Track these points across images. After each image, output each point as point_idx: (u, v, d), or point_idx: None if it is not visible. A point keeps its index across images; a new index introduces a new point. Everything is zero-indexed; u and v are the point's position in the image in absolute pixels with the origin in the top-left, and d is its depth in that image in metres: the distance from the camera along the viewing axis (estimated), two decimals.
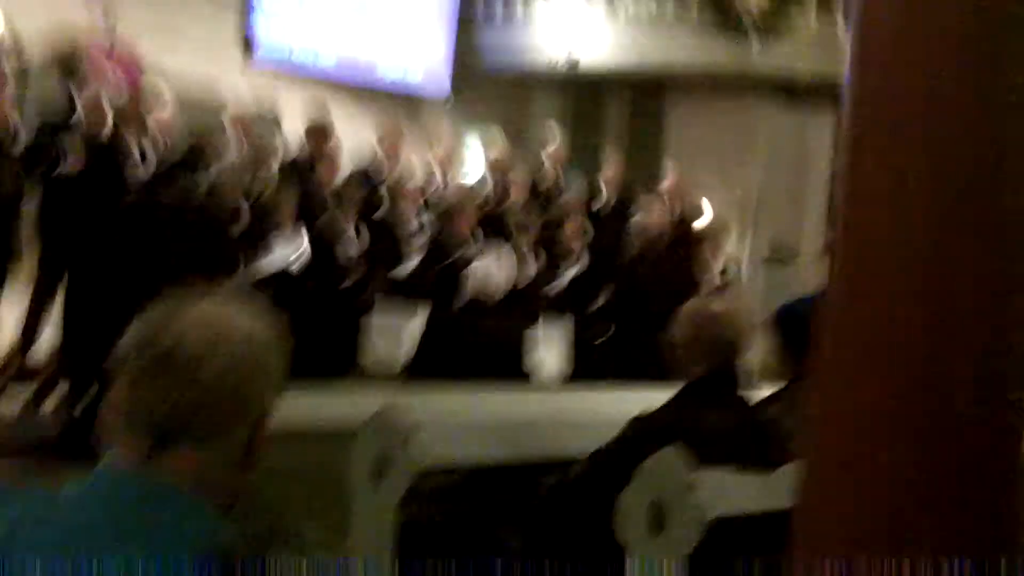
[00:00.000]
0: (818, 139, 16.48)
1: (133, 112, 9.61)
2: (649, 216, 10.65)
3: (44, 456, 8.82)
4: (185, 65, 13.85)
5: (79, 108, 10.25)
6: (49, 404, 9.84)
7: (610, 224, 12.04)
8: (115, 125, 9.68)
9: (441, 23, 17.29)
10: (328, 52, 16.39)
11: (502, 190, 12.45)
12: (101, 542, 1.92)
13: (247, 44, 15.72)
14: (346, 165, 11.51)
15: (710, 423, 4.55)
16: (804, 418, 3.17)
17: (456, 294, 8.39)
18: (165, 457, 1.99)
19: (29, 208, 9.82)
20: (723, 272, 11.51)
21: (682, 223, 12.40)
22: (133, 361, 2.00)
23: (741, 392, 4.75)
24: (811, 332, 3.07)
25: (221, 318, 2.04)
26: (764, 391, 5.01)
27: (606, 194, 12.87)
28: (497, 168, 12.75)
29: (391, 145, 12.16)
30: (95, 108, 10.07)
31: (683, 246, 11.60)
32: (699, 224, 12.20)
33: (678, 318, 4.78)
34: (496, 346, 7.78)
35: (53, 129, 10.10)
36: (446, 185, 12.23)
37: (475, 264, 8.15)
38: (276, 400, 2.08)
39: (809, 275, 15.88)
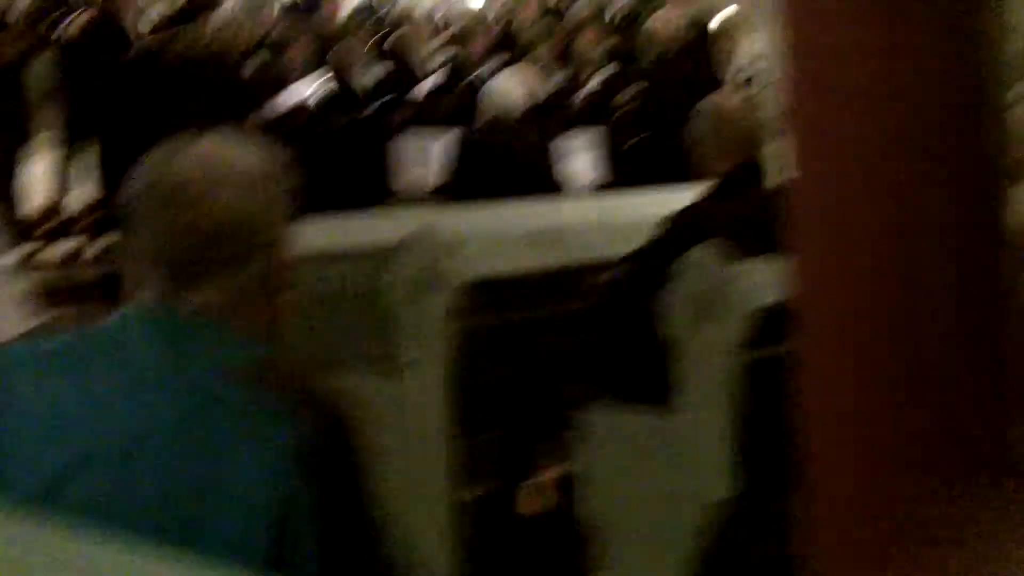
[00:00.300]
0: None
1: None
2: (660, 18, 10.54)
3: (87, 302, 8.99)
4: None
5: None
6: (89, 253, 10.01)
7: (627, 31, 11.95)
8: None
9: None
10: None
11: (513, 7, 12.36)
12: (138, 377, 1.95)
13: None
14: None
15: (741, 216, 4.58)
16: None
17: (477, 113, 8.39)
18: (186, 294, 2.01)
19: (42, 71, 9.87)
20: (747, 67, 11.43)
21: (698, 22, 12.29)
22: (139, 203, 2.03)
23: (767, 183, 4.78)
24: None
25: (222, 153, 2.06)
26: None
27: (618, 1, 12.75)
28: None
29: None
30: None
31: (700, 45, 11.50)
32: (717, 20, 12.04)
33: (695, 115, 4.81)
34: (524, 160, 7.78)
35: None
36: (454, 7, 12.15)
37: (492, 81, 8.12)
38: (287, 228, 2.09)
39: None
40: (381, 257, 5.21)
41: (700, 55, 10.84)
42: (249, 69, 9.66)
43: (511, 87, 7.98)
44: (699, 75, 10.32)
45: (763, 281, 4.39)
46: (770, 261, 4.47)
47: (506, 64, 10.48)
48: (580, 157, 9.07)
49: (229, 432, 1.91)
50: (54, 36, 9.60)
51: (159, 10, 10.11)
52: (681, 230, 4.56)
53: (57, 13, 9.72)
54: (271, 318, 2.09)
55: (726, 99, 4.94)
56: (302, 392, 1.99)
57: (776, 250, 4.48)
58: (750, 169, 4.69)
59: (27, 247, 9.89)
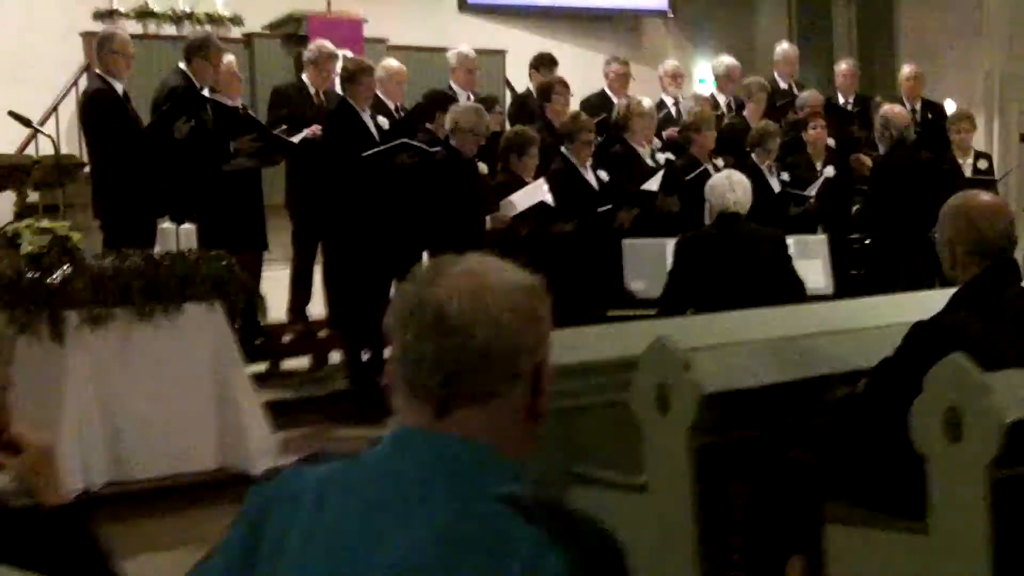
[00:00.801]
0: None
1: (362, 77, 9.75)
2: (891, 111, 10.38)
3: (331, 413, 9.20)
4: (403, 13, 14.04)
5: (305, 78, 10.49)
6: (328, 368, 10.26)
7: (852, 128, 11.81)
8: (345, 91, 9.84)
9: None
10: None
11: (736, 105, 12.32)
12: (407, 502, 1.96)
13: None
14: (575, 96, 11.49)
15: (994, 322, 4.44)
16: None
17: (703, 211, 8.33)
18: (452, 420, 2.01)
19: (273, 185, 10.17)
20: (978, 160, 11.21)
21: (926, 115, 12.13)
22: (403, 328, 2.02)
23: (1020, 286, 4.63)
24: None
25: (485, 274, 2.04)
26: None
27: (843, 98, 12.63)
28: (729, 82, 12.58)
29: (620, 69, 12.13)
30: (320, 75, 10.35)
31: (931, 140, 11.33)
32: (945, 114, 11.88)
33: (945, 215, 4.66)
34: (758, 263, 7.70)
35: (286, 99, 10.35)
36: (677, 106, 12.15)
37: (718, 179, 8.05)
38: (549, 347, 2.08)
39: None
40: (619, 371, 5.20)
41: (931, 149, 10.66)
42: (481, 171, 9.78)
43: (736, 183, 7.89)
44: (931, 170, 10.13)
45: (1020, 391, 4.25)
46: None
47: (731, 163, 10.44)
48: (812, 262, 8.92)
49: (500, 562, 1.90)
50: (295, 140, 9.80)
51: (396, 111, 10.30)
52: (930, 338, 4.43)
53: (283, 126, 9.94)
54: (530, 440, 2.08)
55: (978, 195, 4.76)
56: (568, 518, 1.97)
57: None
58: (1002, 270, 4.54)
59: (270, 358, 10.18)
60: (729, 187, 7.84)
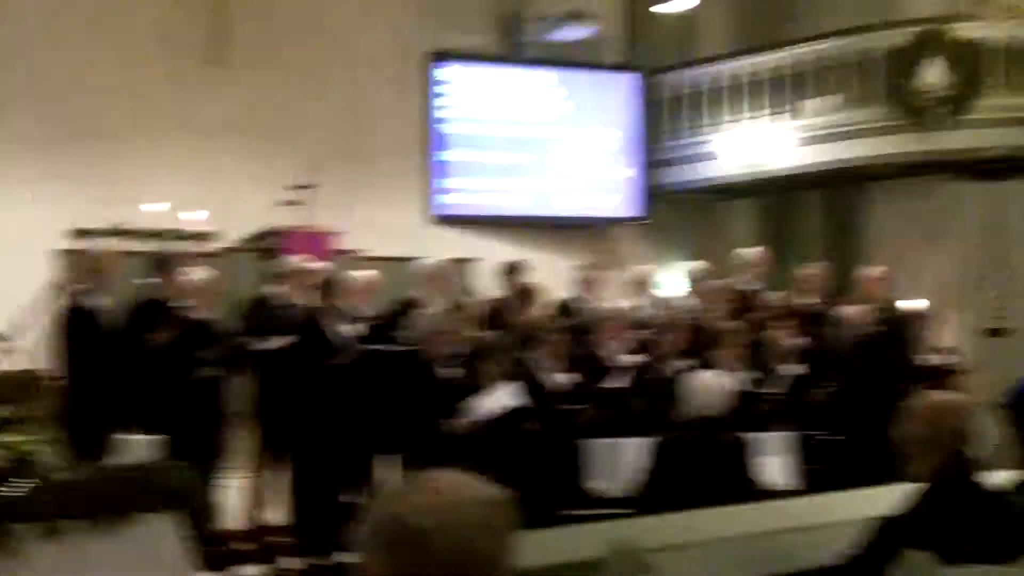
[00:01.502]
0: (1020, 210, 16.20)
1: (336, 287, 9.76)
2: (854, 310, 10.45)
3: None
4: (375, 224, 14.23)
5: (275, 290, 10.54)
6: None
7: (818, 327, 11.80)
8: (317, 300, 9.84)
9: (626, 150, 17.37)
10: (513, 193, 16.62)
11: (705, 306, 12.33)
12: None
13: (433, 198, 16.06)
14: (546, 301, 11.50)
15: (958, 519, 4.34)
16: None
17: (674, 411, 8.24)
18: None
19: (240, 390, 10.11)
20: (943, 355, 11.22)
21: (892, 315, 12.17)
22: (370, 545, 2.04)
23: (980, 480, 4.53)
24: None
25: (451, 491, 2.05)
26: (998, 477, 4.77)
27: (810, 298, 12.65)
28: (699, 284, 12.62)
29: (590, 275, 12.17)
30: (296, 289, 10.39)
31: (896, 337, 11.35)
32: (910, 311, 11.92)
33: (909, 413, 4.60)
34: (723, 460, 7.58)
35: (260, 309, 10.38)
36: (650, 307, 12.16)
37: (694, 379, 7.95)
38: (513, 558, 2.07)
39: None
40: (580, 573, 5.07)
41: (896, 346, 10.69)
42: (448, 373, 9.74)
43: (713, 384, 7.80)
44: (896, 366, 10.15)
45: None
46: (988, 566, 4.22)
47: (696, 363, 10.40)
48: (775, 458, 8.84)
49: None
50: (265, 348, 9.79)
51: (365, 315, 10.28)
52: (892, 535, 4.36)
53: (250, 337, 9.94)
54: None
55: (941, 395, 4.80)
56: None
57: (993, 555, 4.24)
58: (963, 468, 4.44)
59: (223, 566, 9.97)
60: (704, 391, 7.73)
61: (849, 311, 10.61)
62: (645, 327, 11.46)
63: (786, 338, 11.19)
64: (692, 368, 10.18)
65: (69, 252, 10.83)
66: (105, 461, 7.96)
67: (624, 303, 11.49)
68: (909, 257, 15.04)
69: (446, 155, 16.27)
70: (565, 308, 11.64)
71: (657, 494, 7.51)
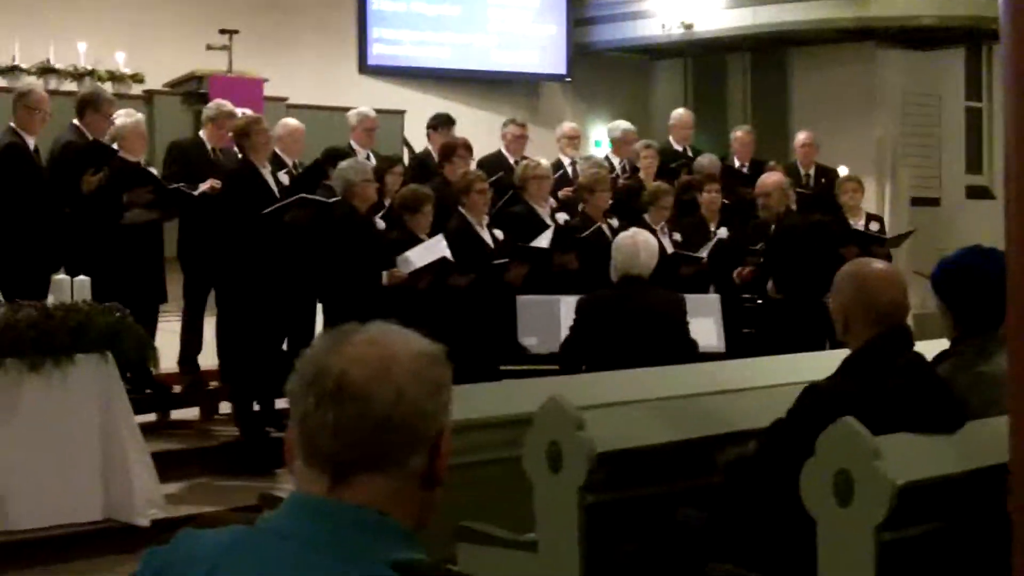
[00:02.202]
0: (949, 82, 16.29)
1: (254, 129, 9.64)
2: (769, 178, 10.52)
3: (220, 465, 9.06)
4: (304, 74, 14.07)
5: (203, 135, 10.43)
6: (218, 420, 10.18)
7: (745, 192, 11.87)
8: (241, 147, 9.74)
9: (553, 6, 17.22)
10: (444, 46, 16.46)
11: (631, 167, 12.35)
12: (301, 571, 1.92)
13: (362, 48, 15.90)
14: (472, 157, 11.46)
15: (887, 387, 4.42)
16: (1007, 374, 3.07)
17: (600, 272, 8.28)
18: (348, 487, 1.98)
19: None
20: (869, 222, 11.33)
21: (819, 180, 12.27)
22: (302, 396, 1.99)
23: (912, 352, 4.60)
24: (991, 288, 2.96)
25: (386, 343, 2.02)
26: (927, 348, 4.84)
27: (738, 162, 12.72)
28: (624, 145, 12.62)
29: (517, 131, 12.11)
30: (218, 133, 10.33)
31: (823, 203, 11.45)
32: (838, 178, 12.02)
33: (839, 281, 4.64)
34: (653, 323, 7.65)
35: (182, 153, 10.30)
36: (574, 167, 12.15)
37: (623, 238, 7.99)
38: (449, 414, 2.05)
39: (952, 219, 15.70)
40: (512, 428, 5.13)
41: (823, 210, 10.77)
42: (379, 225, 9.70)
43: (641, 243, 7.84)
44: (822, 234, 10.24)
45: (909, 456, 4.23)
46: (917, 435, 4.32)
47: (625, 223, 10.43)
48: (704, 320, 8.91)
49: None
50: (194, 194, 9.76)
51: (293, 169, 10.21)
52: (822, 402, 4.39)
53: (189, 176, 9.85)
54: (425, 509, 2.05)
55: (872, 263, 4.78)
56: None
57: (922, 424, 4.34)
58: (894, 338, 4.50)
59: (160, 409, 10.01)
60: (634, 249, 7.77)
61: (775, 176, 10.67)
62: (571, 186, 11.48)
63: (715, 201, 11.24)
64: (619, 228, 10.27)
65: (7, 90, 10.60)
66: (41, 301, 7.87)
67: (550, 162, 11.44)
68: (836, 124, 15.10)
69: (376, 4, 16.04)
70: (491, 164, 11.59)
71: (588, 353, 7.59)
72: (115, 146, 9.68)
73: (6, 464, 7.40)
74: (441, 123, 12.02)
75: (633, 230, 8.33)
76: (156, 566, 2.04)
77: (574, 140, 12.66)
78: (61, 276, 8.28)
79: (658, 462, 4.98)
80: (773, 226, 10.53)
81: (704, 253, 10.60)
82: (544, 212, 10.50)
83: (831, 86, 16.06)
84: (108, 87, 12.17)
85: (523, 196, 10.54)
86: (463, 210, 9.91)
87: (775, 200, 10.50)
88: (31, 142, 9.30)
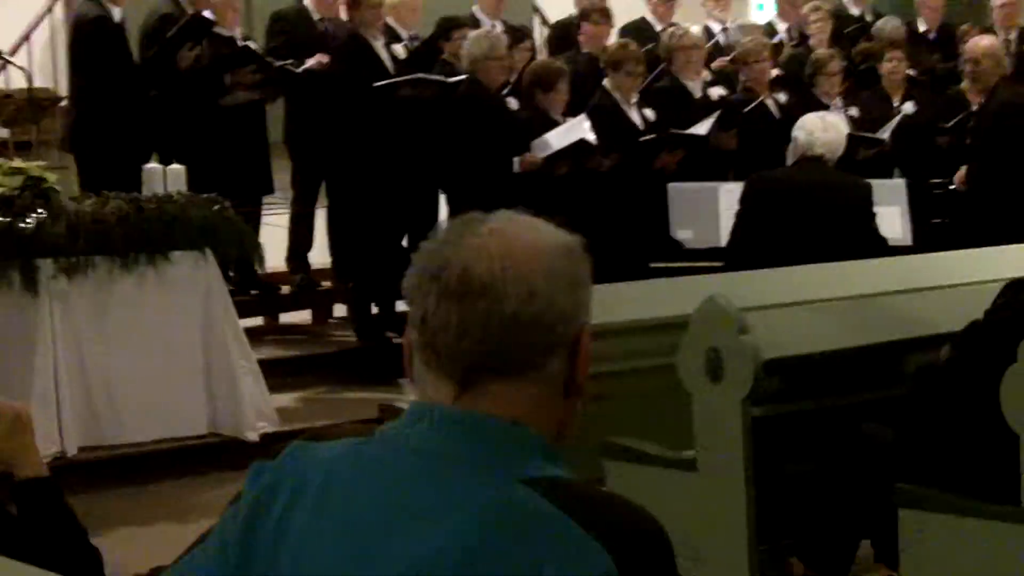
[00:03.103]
0: None
1: (368, 3, 9.65)
2: (981, 41, 10.18)
3: (336, 373, 9.18)
4: None
5: (308, 3, 10.46)
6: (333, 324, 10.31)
7: (933, 61, 11.65)
8: (351, 18, 9.79)
9: None
10: None
11: (799, 34, 12.17)
12: (428, 489, 1.92)
13: None
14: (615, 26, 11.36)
15: None
16: None
17: (764, 155, 8.22)
18: (477, 395, 1.97)
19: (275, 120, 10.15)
20: None
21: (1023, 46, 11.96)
22: (424, 292, 1.98)
23: None
24: None
25: (517, 233, 2.00)
26: None
27: (925, 26, 12.47)
28: (790, 7, 12.42)
29: None
30: (330, 3, 10.33)
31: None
32: None
33: None
34: (834, 210, 7.51)
35: (286, 25, 10.33)
36: (726, 34, 12.00)
37: (805, 117, 7.85)
38: (589, 315, 2.02)
39: None
40: (666, 333, 5.13)
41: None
42: (511, 105, 9.68)
43: (830, 124, 7.70)
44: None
45: None
46: None
47: (791, 98, 10.31)
48: (888, 209, 8.78)
49: (532, 558, 1.85)
50: (299, 71, 9.78)
51: (410, 42, 10.22)
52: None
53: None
54: (565, 420, 2.03)
55: None
56: (608, 508, 1.93)
57: None
58: None
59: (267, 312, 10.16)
60: (822, 128, 7.64)
61: (988, 39, 10.26)
62: (725, 55, 11.36)
63: (899, 72, 11.02)
64: (787, 104, 10.16)
65: None
66: (132, 193, 7.96)
67: (700, 31, 11.31)
68: None
69: None
70: (635, 33, 11.48)
71: (755, 247, 7.51)
72: (211, 18, 9.67)
73: (99, 374, 7.55)
74: None
75: (825, 112, 8.18)
76: (264, 482, 2.05)
77: (724, 2, 12.48)
78: (153, 165, 8.36)
79: (836, 370, 4.98)
80: (980, 100, 10.24)
81: (886, 133, 10.41)
82: (695, 86, 10.39)
83: None
84: None
85: (670, 69, 10.44)
86: (609, 85, 9.84)
87: (988, 69, 10.08)
88: (117, 13, 9.34)
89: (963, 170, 10.05)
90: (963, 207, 10.02)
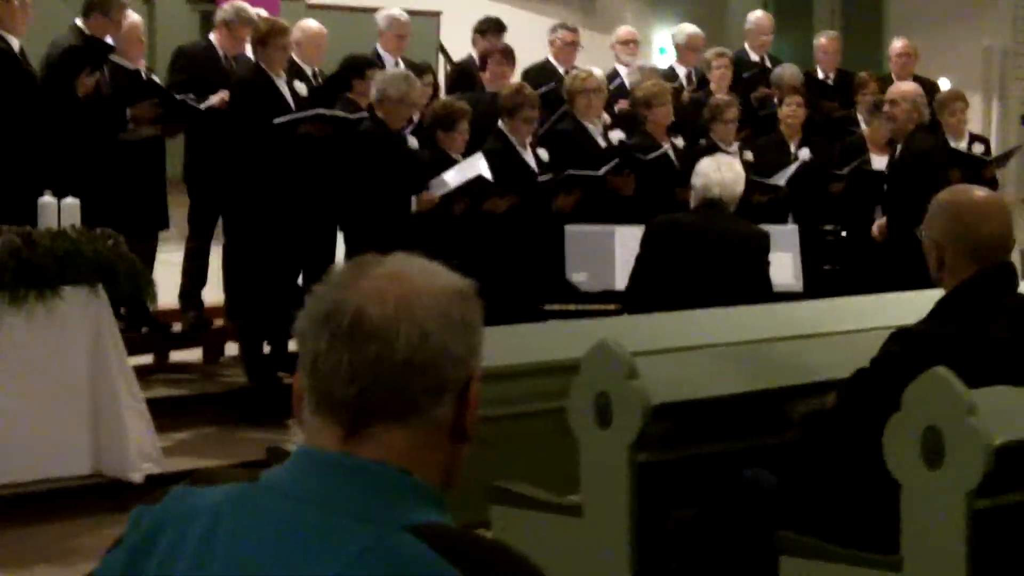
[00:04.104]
0: None
1: (275, 39, 9.63)
2: (903, 85, 10.33)
3: (225, 412, 9.13)
4: None
5: (214, 40, 10.42)
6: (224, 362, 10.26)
7: (830, 107, 11.77)
8: (256, 54, 9.76)
9: None
10: None
11: (698, 78, 12.26)
12: (310, 533, 1.92)
13: None
14: (518, 67, 11.40)
15: (986, 333, 4.40)
16: None
17: (660, 199, 8.26)
18: (364, 440, 1.97)
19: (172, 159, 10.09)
20: (973, 143, 11.16)
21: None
22: (314, 336, 1.98)
23: (1016, 294, 4.57)
24: None
25: (409, 276, 2.00)
26: None
27: (823, 73, 12.60)
28: (690, 53, 12.52)
29: (565, 38, 12.03)
30: (233, 38, 10.29)
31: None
32: (939, 93, 11.81)
33: (933, 211, 4.60)
34: (729, 256, 7.56)
35: (190, 61, 10.27)
36: (632, 78, 12.07)
37: (703, 160, 7.91)
38: (480, 360, 2.03)
39: None
40: (555, 376, 5.14)
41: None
42: (409, 145, 9.68)
43: (727, 169, 7.76)
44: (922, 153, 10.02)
45: (1009, 412, 4.22)
46: (1017, 388, 4.29)
47: (690, 141, 10.38)
48: (780, 255, 8.85)
49: None
50: (201, 107, 9.72)
51: (314, 79, 10.20)
52: (911, 349, 4.39)
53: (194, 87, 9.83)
54: (452, 466, 2.04)
55: (967, 193, 4.69)
56: (490, 557, 1.93)
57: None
58: (997, 276, 4.47)
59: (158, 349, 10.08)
60: (715, 168, 7.70)
61: (911, 84, 10.41)
62: (629, 99, 11.41)
63: (797, 117, 11.13)
64: (685, 149, 10.22)
65: None
66: (24, 227, 7.86)
67: (605, 72, 11.36)
68: (938, 30, 14.92)
69: None
70: (537, 75, 11.53)
71: (649, 290, 7.54)
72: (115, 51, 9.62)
73: None
74: (490, 28, 11.88)
75: (718, 155, 8.26)
76: (146, 527, 2.04)
77: (631, 46, 12.56)
78: (48, 199, 8.25)
79: (722, 416, 5.00)
80: (884, 145, 10.36)
81: (783, 179, 10.50)
82: (596, 130, 10.43)
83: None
84: None
85: (572, 111, 10.48)
86: (504, 128, 9.86)
87: (905, 112, 10.20)
88: (15, 43, 9.22)
89: (882, 220, 10.17)
90: (852, 253, 10.14)
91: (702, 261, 7.45)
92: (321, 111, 9.48)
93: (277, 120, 9.28)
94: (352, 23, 12.14)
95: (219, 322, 10.40)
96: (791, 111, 11.11)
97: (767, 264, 7.71)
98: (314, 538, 1.91)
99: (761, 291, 7.53)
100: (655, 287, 7.50)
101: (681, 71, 12.47)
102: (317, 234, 9.61)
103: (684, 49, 12.61)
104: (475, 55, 11.74)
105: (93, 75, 9.23)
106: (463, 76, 11.56)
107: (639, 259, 7.76)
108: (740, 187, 7.79)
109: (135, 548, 2.03)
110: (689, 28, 12.78)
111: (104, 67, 9.43)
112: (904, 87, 10.43)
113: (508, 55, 11.09)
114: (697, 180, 7.71)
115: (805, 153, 10.98)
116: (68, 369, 7.69)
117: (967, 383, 4.14)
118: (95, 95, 9.28)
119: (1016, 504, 4.23)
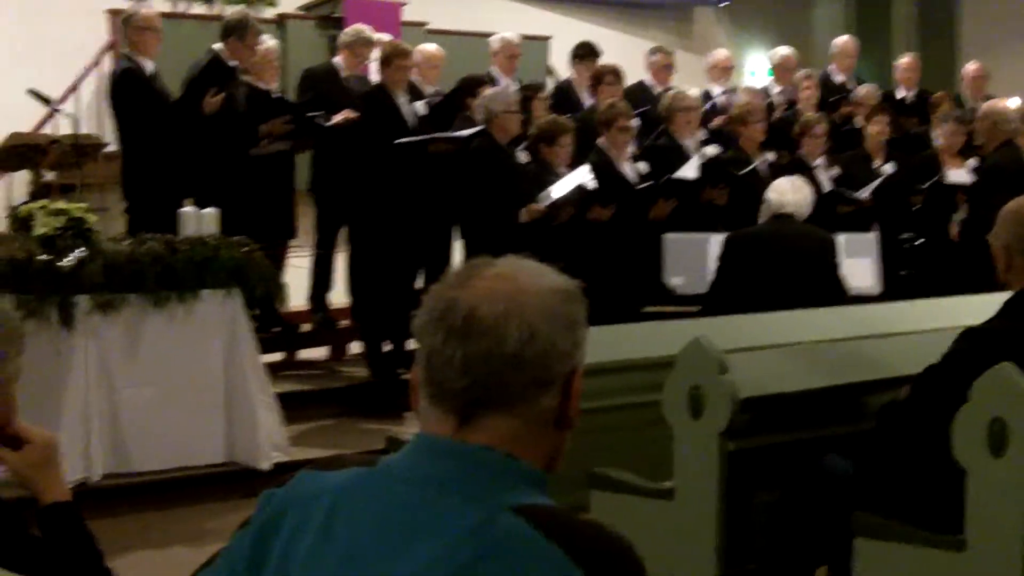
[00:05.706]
0: None
1: (397, 60, 9.75)
2: (998, 104, 10.24)
3: (349, 406, 9.20)
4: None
5: (338, 61, 10.54)
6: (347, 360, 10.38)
7: (909, 124, 11.71)
8: (381, 73, 9.87)
9: None
10: None
11: (788, 98, 12.25)
12: (424, 514, 1.96)
13: None
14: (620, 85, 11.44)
15: None
16: None
17: (752, 210, 8.26)
18: (475, 428, 2.00)
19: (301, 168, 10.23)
20: None
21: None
22: (431, 333, 2.01)
23: None
24: None
25: (517, 276, 2.03)
26: None
27: (903, 92, 12.54)
28: (785, 72, 12.51)
29: (666, 59, 12.07)
30: (354, 58, 10.41)
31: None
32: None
33: (1002, 218, 4.62)
34: (801, 262, 7.60)
35: (316, 81, 10.39)
36: (726, 97, 12.08)
37: (779, 180, 7.95)
38: (583, 355, 2.05)
39: None
40: (652, 371, 5.19)
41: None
42: (520, 158, 9.74)
43: (796, 186, 7.80)
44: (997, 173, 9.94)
45: None
46: None
47: (782, 155, 10.38)
48: (861, 261, 8.85)
49: None
50: (328, 124, 9.84)
51: (431, 97, 10.31)
52: (980, 346, 4.39)
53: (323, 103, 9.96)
54: (555, 452, 2.07)
55: None
56: (589, 535, 1.95)
57: None
58: None
59: (287, 348, 10.21)
60: (791, 189, 7.75)
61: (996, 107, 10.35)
62: (722, 116, 11.42)
63: (881, 134, 11.06)
64: (776, 163, 10.22)
65: (119, 13, 10.70)
66: (166, 234, 8.04)
67: (700, 92, 11.37)
68: (1010, 51, 14.80)
69: None
70: (634, 95, 11.57)
71: (732, 295, 7.58)
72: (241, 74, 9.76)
73: (127, 404, 7.59)
74: (586, 53, 11.96)
75: (794, 176, 8.27)
76: (273, 508, 2.09)
77: (727, 70, 12.59)
78: (189, 208, 8.41)
79: (804, 408, 5.02)
80: (960, 158, 10.28)
81: (868, 191, 10.45)
82: (690, 145, 10.45)
83: (1005, 8, 15.68)
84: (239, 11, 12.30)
85: (668, 128, 10.50)
86: (602, 143, 9.91)
87: (988, 128, 10.11)
88: (149, 66, 9.40)
89: (956, 224, 10.15)
90: (929, 258, 10.08)
91: (777, 266, 7.48)
92: (436, 135, 9.58)
93: (398, 141, 9.39)
94: (469, 47, 12.25)
95: (344, 323, 10.52)
96: (879, 129, 11.03)
97: (837, 267, 7.74)
98: (427, 518, 1.94)
99: (833, 292, 7.56)
100: (735, 292, 7.56)
101: (776, 90, 12.48)
102: (434, 241, 9.74)
103: (780, 68, 12.61)
104: (573, 77, 11.82)
105: (219, 95, 9.38)
106: (563, 96, 11.63)
107: (718, 270, 7.81)
108: (809, 205, 7.83)
109: (263, 527, 2.08)
110: (784, 50, 12.84)
111: (237, 88, 9.60)
112: (994, 105, 10.37)
113: (616, 74, 11.13)
114: (772, 196, 7.75)
115: (889, 168, 10.95)
116: (205, 366, 7.82)
117: None
118: (230, 113, 9.43)
119: None
